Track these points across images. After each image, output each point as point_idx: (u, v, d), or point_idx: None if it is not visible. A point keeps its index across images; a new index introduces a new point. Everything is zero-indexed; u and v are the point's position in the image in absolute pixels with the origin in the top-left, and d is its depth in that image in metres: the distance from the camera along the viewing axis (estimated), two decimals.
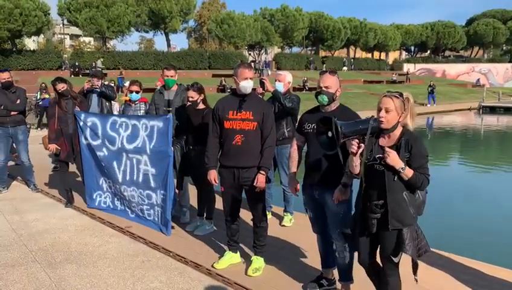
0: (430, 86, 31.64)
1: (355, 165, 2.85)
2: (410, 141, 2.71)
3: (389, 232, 2.75)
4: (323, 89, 3.31)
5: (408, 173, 2.66)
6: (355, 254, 3.19)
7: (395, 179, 2.70)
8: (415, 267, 2.78)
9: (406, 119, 2.79)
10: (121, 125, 5.36)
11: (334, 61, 52.15)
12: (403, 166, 2.65)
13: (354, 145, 2.76)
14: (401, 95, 2.77)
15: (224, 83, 30.33)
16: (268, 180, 3.84)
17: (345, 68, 49.70)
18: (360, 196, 2.91)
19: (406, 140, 2.72)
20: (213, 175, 3.95)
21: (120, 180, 5.45)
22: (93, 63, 35.11)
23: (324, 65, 47.74)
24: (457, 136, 20.27)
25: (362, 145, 2.76)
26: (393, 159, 2.65)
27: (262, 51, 50.35)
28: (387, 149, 2.69)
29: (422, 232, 2.83)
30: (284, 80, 5.03)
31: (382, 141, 2.83)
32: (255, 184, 3.74)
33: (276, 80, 5.05)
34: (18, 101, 6.78)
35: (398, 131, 2.79)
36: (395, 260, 2.79)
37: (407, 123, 2.80)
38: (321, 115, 3.20)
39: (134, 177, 5.29)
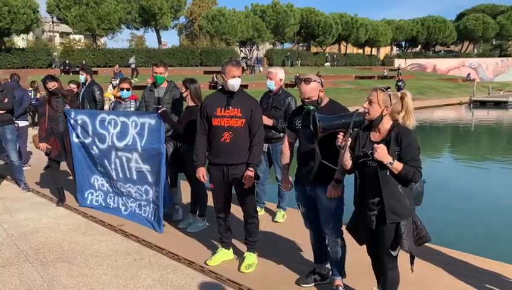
0: (399, 80, 29.95)
1: (346, 160, 2.88)
2: (400, 134, 2.73)
3: (387, 226, 2.78)
4: (306, 100, 3.32)
5: (397, 166, 2.67)
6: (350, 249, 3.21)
7: (387, 173, 2.71)
8: (412, 258, 2.84)
9: (397, 116, 2.80)
10: (110, 123, 5.34)
11: (330, 57, 52.31)
12: (391, 161, 2.67)
13: (339, 139, 2.80)
14: (387, 89, 2.81)
15: (215, 79, 30.20)
16: (257, 177, 3.83)
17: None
18: (356, 193, 2.93)
19: (396, 133, 2.74)
20: (201, 172, 3.94)
21: (115, 177, 5.45)
22: (83, 61, 34.77)
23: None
24: (448, 131, 20.42)
25: (349, 139, 2.79)
26: (381, 154, 2.67)
27: (253, 48, 50.26)
28: (375, 145, 2.72)
29: (422, 223, 2.87)
30: (276, 78, 4.97)
31: (374, 136, 2.84)
32: (243, 181, 3.74)
33: (267, 78, 5.00)
34: (6, 100, 6.71)
35: (388, 125, 2.81)
36: (394, 253, 2.84)
37: (397, 118, 2.81)
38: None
39: (128, 175, 5.28)
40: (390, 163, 2.67)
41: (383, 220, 2.78)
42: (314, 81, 3.32)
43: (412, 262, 2.84)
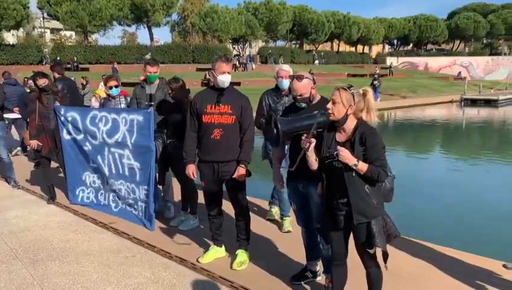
0: (375, 79, 28.22)
1: (311, 161, 2.88)
2: (364, 135, 2.70)
3: (358, 227, 2.78)
4: (298, 98, 3.33)
5: (362, 167, 2.66)
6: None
7: (354, 174, 2.70)
8: (385, 257, 2.81)
9: (361, 114, 2.78)
10: (101, 120, 5.31)
11: (318, 55, 52.29)
12: (356, 162, 2.65)
13: (303, 140, 2.80)
14: (349, 88, 2.78)
15: (208, 76, 30.11)
16: (248, 174, 3.83)
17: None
18: (323, 193, 2.93)
19: (361, 134, 2.71)
20: (191, 169, 3.91)
21: (107, 173, 5.42)
22: (75, 58, 34.50)
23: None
24: (440, 128, 20.57)
25: (313, 140, 2.79)
26: (345, 156, 2.65)
27: (246, 45, 50.18)
28: (338, 147, 2.69)
29: (391, 219, 2.87)
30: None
31: (339, 137, 2.83)
32: (234, 176, 3.73)
33: (282, 77, 4.67)
34: None
35: (352, 124, 2.78)
36: (371, 251, 2.82)
37: (362, 117, 2.78)
38: (304, 112, 3.21)
39: (121, 171, 5.25)
40: (355, 165, 2.66)
41: (351, 221, 2.78)
42: (306, 78, 3.32)
43: (385, 261, 2.82)
